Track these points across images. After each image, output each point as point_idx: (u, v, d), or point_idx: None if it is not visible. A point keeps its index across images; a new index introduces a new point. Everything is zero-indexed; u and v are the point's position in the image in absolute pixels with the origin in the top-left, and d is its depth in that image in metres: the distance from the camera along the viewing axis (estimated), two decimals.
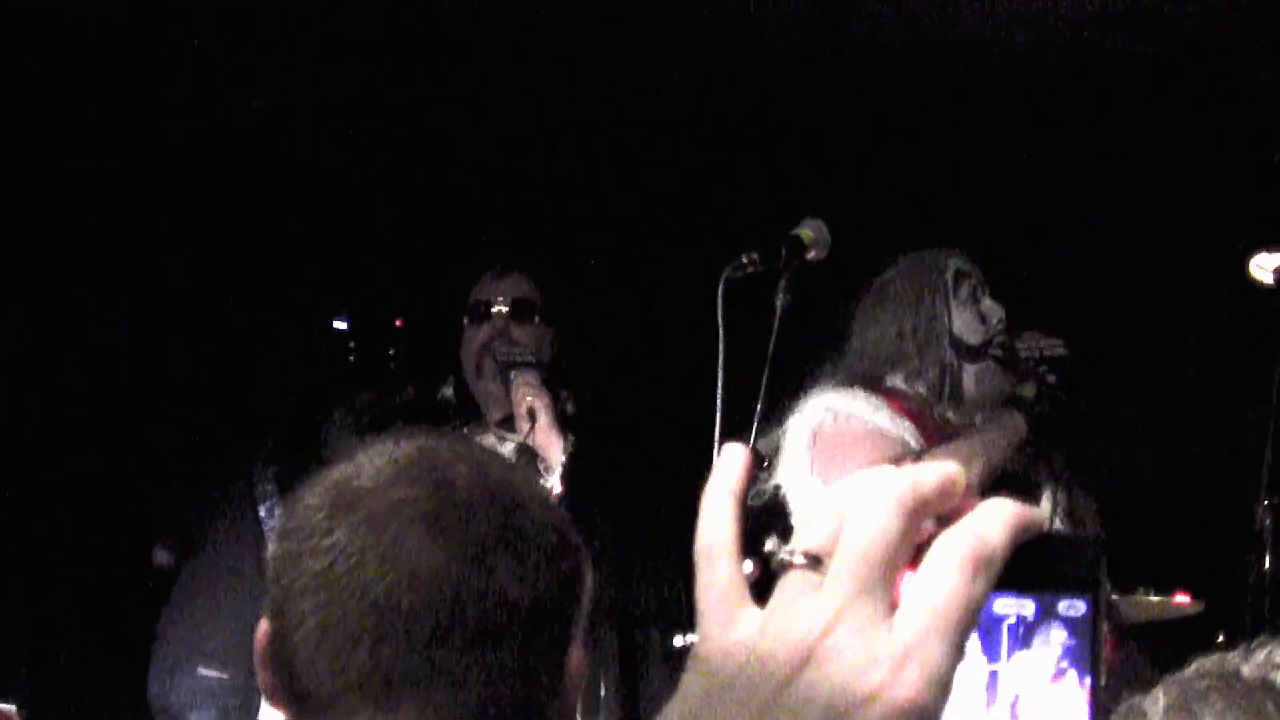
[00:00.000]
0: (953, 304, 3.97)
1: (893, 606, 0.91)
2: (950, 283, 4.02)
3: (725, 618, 0.94)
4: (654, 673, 4.33)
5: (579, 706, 4.22)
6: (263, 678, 1.79)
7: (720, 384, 3.31)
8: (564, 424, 4.34)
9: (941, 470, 0.95)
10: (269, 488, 6.16)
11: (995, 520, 0.93)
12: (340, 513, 1.72)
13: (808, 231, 3.51)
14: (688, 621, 3.17)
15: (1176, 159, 5.97)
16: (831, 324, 4.01)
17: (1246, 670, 1.42)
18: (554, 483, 4.26)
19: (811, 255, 3.49)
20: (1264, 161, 5.72)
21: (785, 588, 0.93)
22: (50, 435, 5.95)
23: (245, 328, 6.32)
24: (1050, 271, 6.53)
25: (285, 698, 1.75)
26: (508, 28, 5.28)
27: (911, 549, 0.93)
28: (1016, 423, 3.99)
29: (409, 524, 1.70)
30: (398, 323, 6.52)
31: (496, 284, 4.66)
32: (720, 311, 3.36)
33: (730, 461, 1.00)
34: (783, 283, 3.43)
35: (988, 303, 4.06)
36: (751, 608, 0.95)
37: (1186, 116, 5.75)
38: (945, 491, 0.94)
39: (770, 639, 0.92)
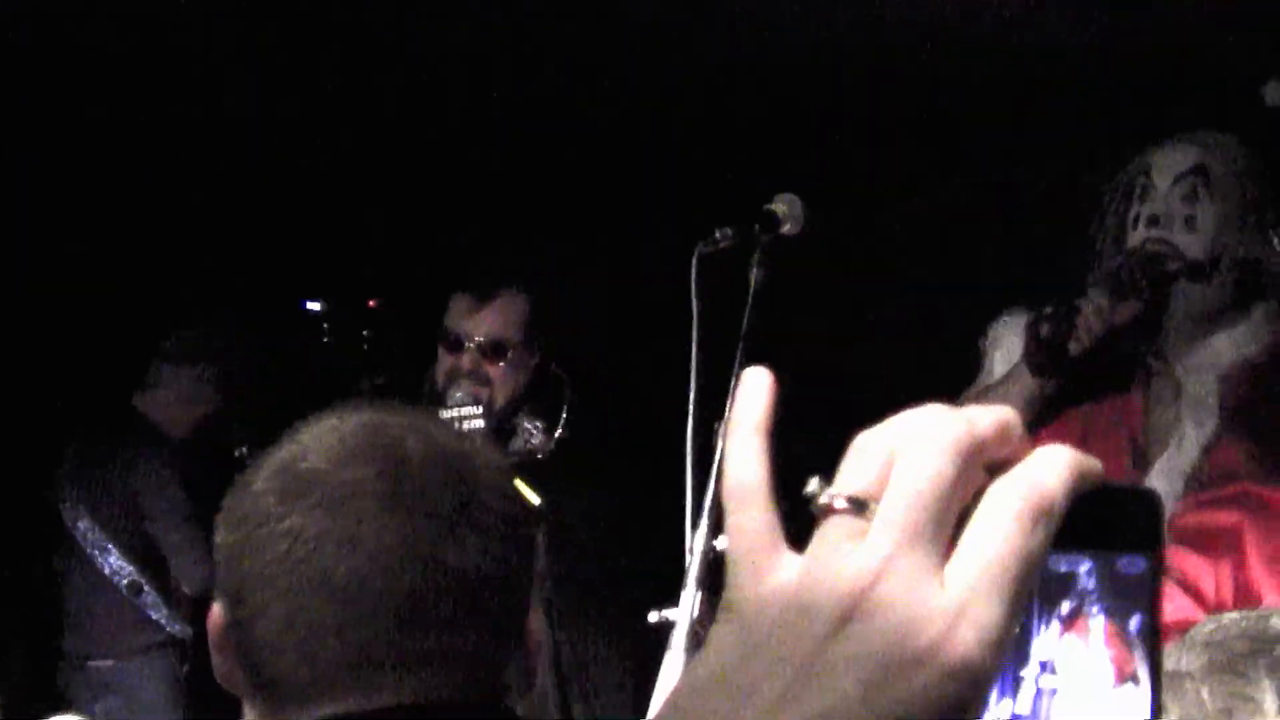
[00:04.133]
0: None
1: (945, 558, 0.84)
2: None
3: (760, 565, 0.87)
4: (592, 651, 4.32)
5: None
6: (220, 665, 1.77)
7: (694, 360, 3.30)
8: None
9: (998, 413, 0.88)
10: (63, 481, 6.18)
11: (1054, 468, 0.86)
12: (292, 497, 1.69)
13: (781, 206, 3.49)
14: (663, 598, 3.16)
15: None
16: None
17: None
18: None
19: (785, 230, 3.47)
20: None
21: (827, 534, 0.86)
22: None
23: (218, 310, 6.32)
24: (1012, 247, 6.53)
25: (249, 687, 1.73)
26: (478, 8, 5.26)
27: (967, 496, 0.86)
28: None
29: (366, 504, 1.68)
30: (371, 304, 6.50)
31: (471, 317, 4.51)
32: (694, 287, 3.35)
33: (754, 391, 0.93)
34: (756, 257, 3.41)
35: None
36: (789, 554, 0.87)
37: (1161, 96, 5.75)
38: (1002, 435, 0.87)
39: (811, 589, 0.85)
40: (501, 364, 4.47)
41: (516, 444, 4.47)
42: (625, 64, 5.59)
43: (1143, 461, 3.80)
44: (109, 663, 6.14)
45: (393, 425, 1.76)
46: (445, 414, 4.31)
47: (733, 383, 3.26)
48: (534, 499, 4.26)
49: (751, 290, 3.36)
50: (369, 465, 1.70)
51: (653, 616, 3.19)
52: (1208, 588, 3.57)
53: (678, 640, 3.08)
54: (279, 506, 1.70)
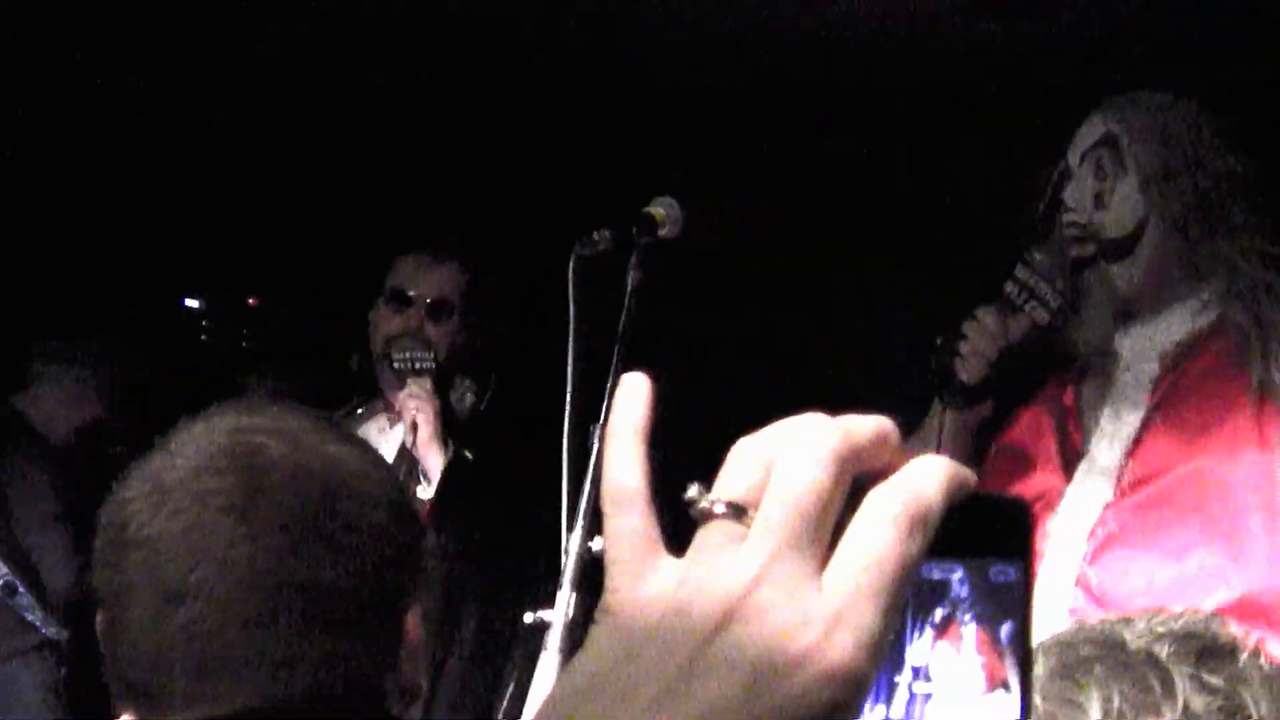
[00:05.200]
0: None
1: (823, 564, 0.85)
2: None
3: (638, 568, 0.88)
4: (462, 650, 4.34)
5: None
6: (105, 669, 1.78)
7: (571, 362, 3.30)
8: (449, 431, 4.34)
9: (875, 421, 0.89)
10: None
11: (930, 477, 0.87)
12: (154, 505, 1.71)
13: (660, 209, 3.49)
14: (540, 600, 3.16)
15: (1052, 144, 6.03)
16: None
17: (1130, 640, 1.42)
18: (430, 494, 4.24)
19: (663, 233, 3.47)
20: None
21: (706, 539, 0.87)
22: None
23: (95, 305, 6.25)
24: (921, 252, 6.57)
25: (118, 688, 1.74)
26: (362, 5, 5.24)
27: (842, 502, 0.86)
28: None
29: (217, 515, 1.69)
30: (251, 302, 6.46)
31: (421, 276, 4.59)
32: (572, 289, 3.34)
33: (632, 396, 0.94)
34: (634, 260, 3.42)
35: None
36: (667, 558, 0.88)
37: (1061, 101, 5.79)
38: (879, 443, 0.89)
39: (689, 593, 0.85)
40: (445, 325, 4.55)
41: (453, 399, 4.56)
42: (510, 68, 5.59)
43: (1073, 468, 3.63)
44: None
45: (259, 431, 1.77)
46: (397, 358, 4.43)
47: (610, 385, 3.26)
48: (467, 455, 4.32)
49: (629, 293, 3.37)
50: (225, 475, 1.71)
51: (528, 618, 3.19)
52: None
53: (553, 642, 3.08)
54: (142, 514, 1.71)
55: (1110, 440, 3.56)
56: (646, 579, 0.87)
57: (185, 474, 1.72)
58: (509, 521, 4.23)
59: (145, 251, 6.25)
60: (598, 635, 0.88)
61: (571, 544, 3.15)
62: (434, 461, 4.31)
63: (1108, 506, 3.49)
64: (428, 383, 4.39)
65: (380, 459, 1.91)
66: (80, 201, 6.05)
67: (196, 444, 1.75)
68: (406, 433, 4.34)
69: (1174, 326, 3.56)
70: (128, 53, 5.44)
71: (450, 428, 4.39)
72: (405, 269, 4.62)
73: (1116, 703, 1.36)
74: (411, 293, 4.56)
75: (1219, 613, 1.55)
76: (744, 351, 6.82)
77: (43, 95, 5.63)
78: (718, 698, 0.82)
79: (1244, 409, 3.39)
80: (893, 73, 5.53)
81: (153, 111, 5.83)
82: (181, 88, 5.72)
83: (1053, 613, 3.38)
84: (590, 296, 3.34)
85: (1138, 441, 3.51)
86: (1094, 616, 3.40)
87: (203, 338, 6.46)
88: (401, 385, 4.40)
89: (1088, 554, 3.46)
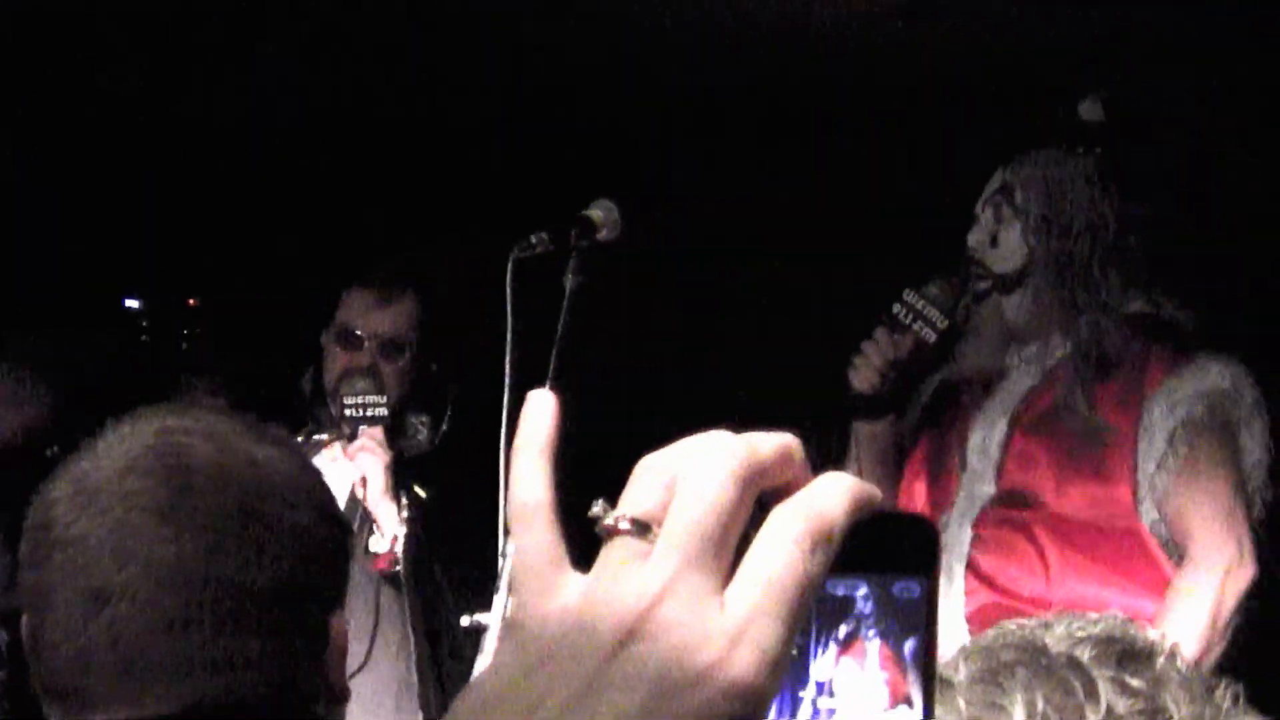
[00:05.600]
0: None
1: (725, 580, 0.85)
2: None
3: (544, 584, 0.88)
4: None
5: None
6: (30, 670, 1.78)
7: (509, 364, 3.30)
8: (401, 474, 4.31)
9: (780, 438, 0.89)
10: None
11: (833, 494, 0.87)
12: (78, 506, 1.71)
13: (598, 212, 3.50)
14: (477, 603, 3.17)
15: (967, 150, 6.05)
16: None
17: (1051, 644, 1.43)
18: (382, 545, 4.21)
19: (601, 236, 3.48)
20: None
21: (610, 555, 0.87)
22: None
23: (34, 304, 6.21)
24: (856, 259, 6.58)
25: (43, 690, 1.74)
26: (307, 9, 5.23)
27: (745, 519, 0.86)
28: None
29: (141, 516, 1.69)
30: (191, 302, 6.43)
31: (372, 315, 4.51)
32: (509, 292, 3.34)
33: (537, 411, 0.94)
34: (572, 263, 3.42)
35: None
36: (573, 574, 0.88)
37: (974, 107, 5.82)
38: (784, 460, 0.89)
39: (593, 608, 0.85)
40: (398, 363, 4.49)
41: (405, 441, 4.51)
42: (452, 70, 5.58)
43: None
44: None
45: (185, 433, 1.76)
46: (349, 404, 4.34)
47: (548, 385, 3.27)
48: (421, 494, 4.30)
49: (566, 296, 3.37)
50: (150, 475, 1.71)
51: (465, 620, 3.20)
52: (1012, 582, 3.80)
53: (489, 645, 3.09)
54: (67, 515, 1.71)
55: (983, 442, 3.96)
56: (551, 594, 0.87)
57: (111, 475, 1.71)
58: (442, 523, 4.22)
59: (86, 251, 6.22)
60: (503, 650, 0.88)
61: (508, 547, 3.15)
62: (386, 515, 4.25)
63: (985, 507, 3.91)
64: (379, 432, 4.31)
65: (307, 461, 1.90)
66: (19, 199, 6.01)
67: (122, 445, 1.74)
68: (358, 485, 4.28)
69: (1052, 351, 3.97)
70: (65, 52, 5.41)
71: (404, 470, 4.35)
72: (355, 306, 4.54)
73: (1040, 706, 1.37)
74: (361, 332, 4.48)
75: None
76: (679, 356, 6.82)
77: None
78: (621, 712, 0.83)
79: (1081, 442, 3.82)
80: (827, 74, 5.54)
81: (95, 110, 5.80)
82: (123, 87, 5.69)
83: (949, 596, 3.82)
84: (528, 299, 3.34)
85: (1006, 445, 3.93)
86: (985, 598, 3.70)
87: (142, 338, 6.41)
88: (352, 430, 4.34)
89: (973, 542, 3.87)
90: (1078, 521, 3.76)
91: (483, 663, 3.06)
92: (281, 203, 6.16)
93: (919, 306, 3.98)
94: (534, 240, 3.42)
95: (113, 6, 5.08)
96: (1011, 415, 3.93)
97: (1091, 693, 1.38)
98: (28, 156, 5.90)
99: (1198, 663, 2.65)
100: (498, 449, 3.24)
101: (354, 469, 4.28)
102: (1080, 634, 1.44)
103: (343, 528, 1.83)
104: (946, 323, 3.99)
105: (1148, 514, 3.70)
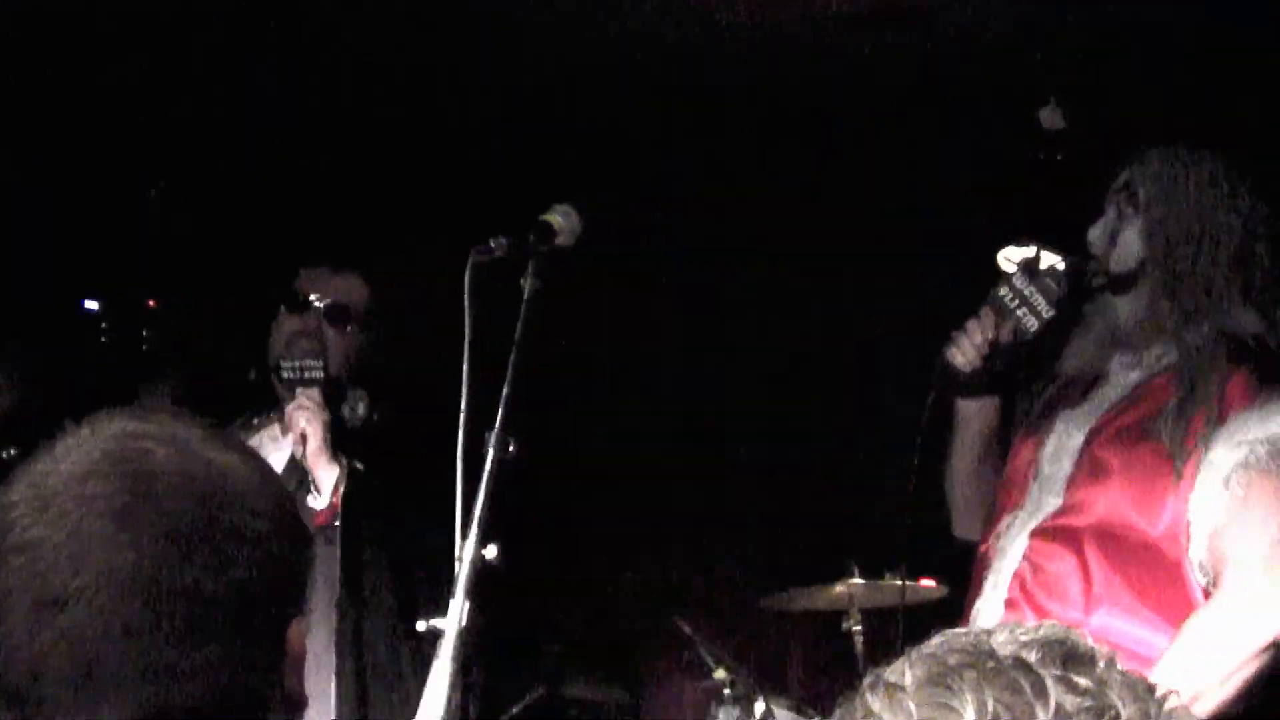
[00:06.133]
0: None
1: None
2: None
3: None
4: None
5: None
6: None
7: (466, 368, 3.29)
8: (337, 436, 4.34)
9: None
10: None
11: None
12: (36, 509, 1.69)
13: (556, 217, 3.50)
14: (432, 608, 3.16)
15: (929, 154, 6.07)
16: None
17: (997, 647, 1.44)
18: (321, 503, 4.24)
19: (560, 241, 3.48)
20: (1017, 157, 5.84)
21: None
22: None
23: None
24: (799, 264, 6.60)
25: (1, 697, 1.72)
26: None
27: None
28: None
29: (99, 520, 1.67)
30: (151, 304, 6.40)
31: (320, 281, 4.62)
32: (467, 296, 3.34)
33: None
34: (530, 268, 3.42)
35: None
36: None
37: (939, 112, 5.84)
38: None
39: None
40: (344, 330, 4.58)
41: (343, 412, 4.54)
42: (412, 74, 5.58)
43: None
44: None
45: (145, 437, 1.75)
46: (286, 367, 4.42)
47: (505, 393, 3.27)
48: (359, 466, 4.31)
49: (524, 300, 3.37)
50: (109, 480, 1.69)
51: (421, 625, 3.19)
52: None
53: (446, 650, 3.08)
54: (24, 518, 1.69)
55: (1057, 450, 3.81)
56: None
57: (69, 478, 1.70)
58: (407, 537, 4.22)
59: (43, 253, 6.19)
60: None
61: (465, 552, 3.15)
62: (324, 472, 4.31)
63: (1048, 516, 3.74)
64: (316, 393, 4.37)
65: (268, 469, 1.89)
66: None
67: (82, 448, 1.73)
68: (295, 444, 4.33)
69: (1152, 362, 3.80)
70: (18, 54, 5.40)
71: (340, 439, 4.38)
72: (307, 276, 4.65)
73: (991, 705, 1.39)
74: (311, 296, 4.58)
75: None
76: (636, 359, 6.82)
77: None
78: None
79: (1159, 464, 3.61)
80: (785, 82, 5.55)
81: (52, 113, 5.78)
82: (82, 89, 5.67)
83: (991, 601, 3.73)
84: (487, 304, 3.34)
85: (1080, 456, 3.76)
86: (1021, 611, 3.61)
87: (102, 340, 6.39)
88: (291, 395, 4.39)
89: (1027, 551, 3.73)
90: (1129, 548, 3.59)
91: (439, 669, 3.06)
92: (242, 204, 6.15)
93: (1027, 293, 3.89)
94: (493, 244, 3.41)
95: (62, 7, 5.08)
96: (1093, 425, 3.77)
97: (1041, 691, 1.39)
98: None
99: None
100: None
101: (293, 430, 4.32)
102: (1024, 638, 1.45)
103: (304, 536, 1.82)
104: (1052, 313, 3.88)
105: (1196, 553, 3.50)
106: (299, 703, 1.84)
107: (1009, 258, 5.58)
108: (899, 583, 5.73)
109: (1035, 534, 3.73)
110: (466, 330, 3.30)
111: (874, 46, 5.38)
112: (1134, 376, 3.80)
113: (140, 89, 5.71)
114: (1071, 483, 3.73)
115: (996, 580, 3.76)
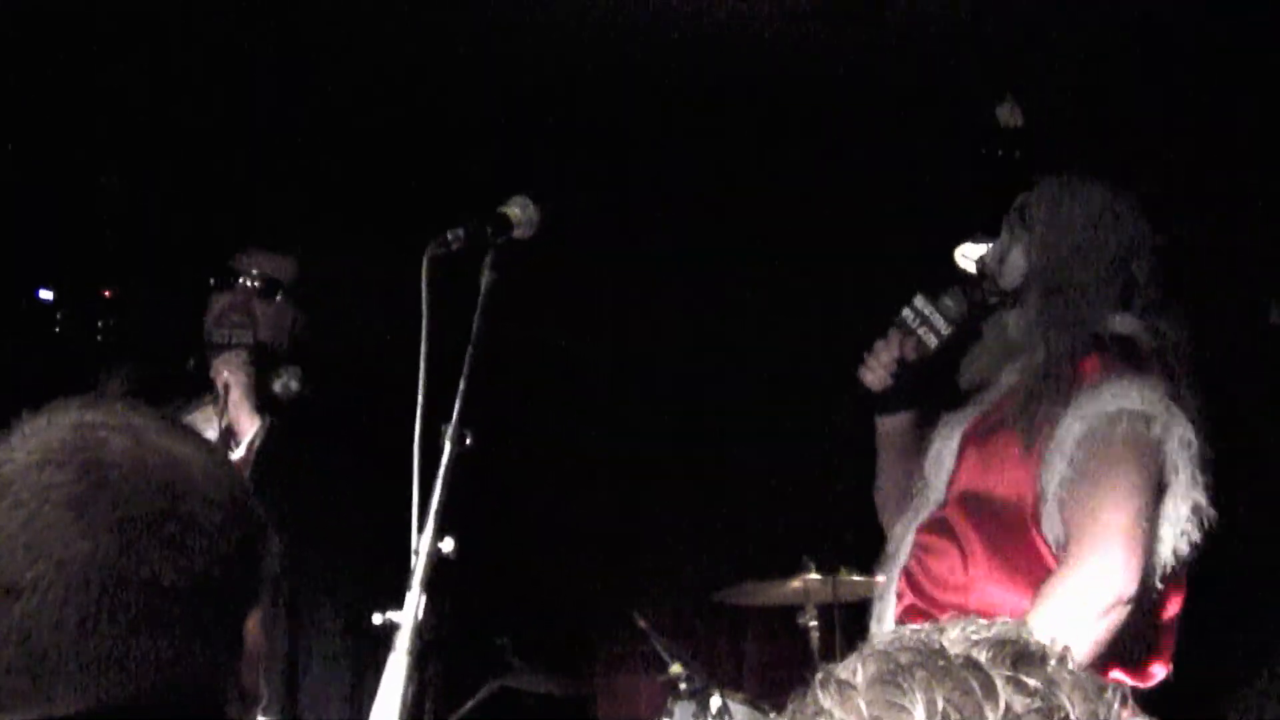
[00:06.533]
0: None
1: None
2: None
3: None
4: (317, 650, 4.33)
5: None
6: None
7: (423, 362, 3.28)
8: (266, 405, 4.36)
9: None
10: None
11: None
12: None
13: (514, 209, 3.49)
14: (373, 601, 3.15)
15: (889, 150, 6.08)
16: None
17: (948, 646, 1.44)
18: (239, 455, 4.25)
19: (517, 233, 3.47)
20: (972, 153, 5.85)
21: None
22: None
23: None
24: (760, 260, 6.60)
25: None
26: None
27: None
28: None
29: (55, 510, 1.66)
30: (106, 294, 6.37)
31: (249, 256, 4.68)
32: (424, 288, 3.32)
33: None
34: (488, 260, 3.40)
35: None
36: None
37: (899, 108, 5.85)
38: None
39: None
40: (271, 304, 4.62)
41: (274, 385, 4.58)
42: (374, 60, 5.56)
43: None
44: None
45: (102, 427, 1.74)
46: (215, 334, 4.56)
47: (462, 387, 3.26)
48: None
49: (482, 293, 3.36)
50: (65, 470, 1.68)
51: (377, 618, 3.17)
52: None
53: (401, 642, 3.07)
54: None
55: (939, 453, 4.09)
56: None
57: (25, 467, 1.68)
58: (327, 503, 4.22)
59: None
60: None
61: (421, 545, 3.14)
62: (245, 423, 4.37)
63: (930, 514, 4.01)
64: (242, 353, 4.45)
65: (225, 460, 1.88)
66: None
67: (38, 438, 1.72)
68: (218, 397, 4.38)
69: (1030, 362, 4.02)
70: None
71: (266, 404, 4.42)
72: (240, 256, 4.71)
73: (941, 705, 1.39)
74: (240, 268, 4.65)
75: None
76: (595, 351, 6.81)
77: None
78: None
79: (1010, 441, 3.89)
80: (748, 73, 5.55)
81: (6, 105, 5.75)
82: (33, 76, 5.65)
83: (886, 599, 4.00)
84: (444, 296, 3.32)
85: (959, 456, 4.04)
86: (910, 600, 3.74)
87: (56, 330, 6.36)
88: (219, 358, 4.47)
89: (913, 548, 3.99)
90: (996, 524, 3.81)
91: (395, 662, 3.05)
92: (195, 192, 6.14)
93: (926, 312, 4.14)
94: (450, 237, 3.39)
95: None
96: (968, 426, 4.04)
97: (990, 692, 1.39)
98: None
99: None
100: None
101: (218, 382, 4.38)
102: (975, 637, 1.46)
103: (260, 528, 1.81)
104: (950, 330, 4.14)
105: (1048, 524, 3.72)
106: (255, 697, 1.83)
107: (966, 254, 5.62)
108: (855, 578, 5.78)
109: (919, 530, 3.99)
110: (424, 324, 3.29)
111: (841, 39, 5.38)
112: (1012, 379, 4.02)
113: (94, 76, 5.69)
114: (953, 480, 3.99)
115: (889, 579, 4.00)
